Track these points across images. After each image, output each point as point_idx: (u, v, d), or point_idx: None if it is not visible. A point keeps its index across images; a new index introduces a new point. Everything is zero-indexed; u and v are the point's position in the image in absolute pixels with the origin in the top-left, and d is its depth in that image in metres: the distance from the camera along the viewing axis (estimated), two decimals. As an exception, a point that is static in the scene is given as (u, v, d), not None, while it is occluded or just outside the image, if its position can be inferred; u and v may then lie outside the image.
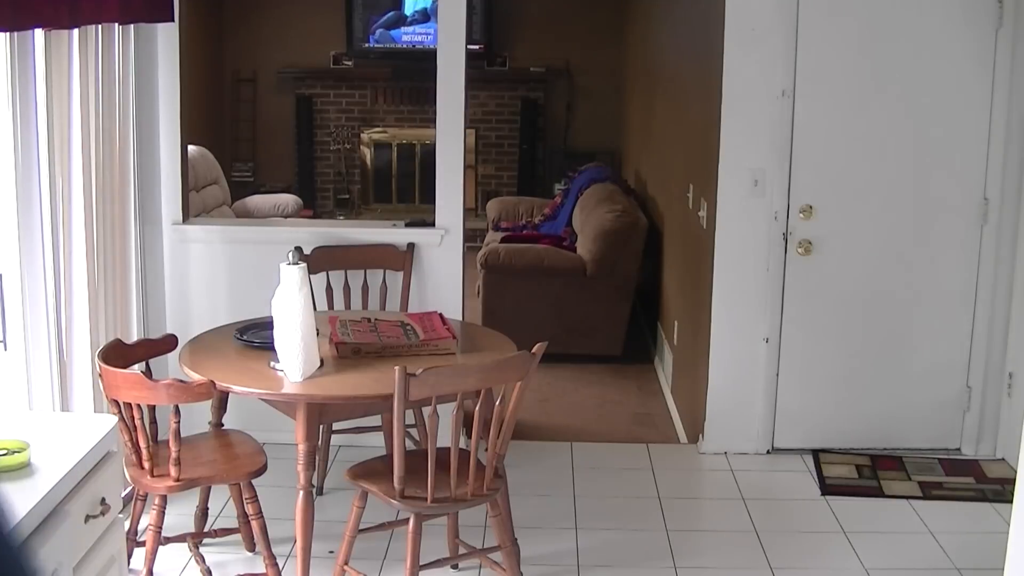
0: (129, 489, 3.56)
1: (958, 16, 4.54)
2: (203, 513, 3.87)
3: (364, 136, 9.94)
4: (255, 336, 3.67)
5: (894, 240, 4.69)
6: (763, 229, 4.66)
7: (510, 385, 3.22)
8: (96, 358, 3.35)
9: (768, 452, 4.85)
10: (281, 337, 3.31)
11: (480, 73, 9.23)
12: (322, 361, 3.43)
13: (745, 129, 4.59)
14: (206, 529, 3.86)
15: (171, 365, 3.94)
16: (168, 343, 3.71)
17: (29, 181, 3.45)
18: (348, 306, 4.52)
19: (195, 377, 3.32)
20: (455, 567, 3.78)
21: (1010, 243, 4.64)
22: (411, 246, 4.63)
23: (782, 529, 4.16)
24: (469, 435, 3.33)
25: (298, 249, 3.47)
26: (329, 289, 4.51)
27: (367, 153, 10.00)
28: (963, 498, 4.40)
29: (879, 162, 4.64)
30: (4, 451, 2.30)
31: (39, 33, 3.42)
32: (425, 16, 9.43)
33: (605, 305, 6.10)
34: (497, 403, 3.26)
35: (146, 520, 3.46)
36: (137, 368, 3.46)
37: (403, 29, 9.47)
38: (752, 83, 4.57)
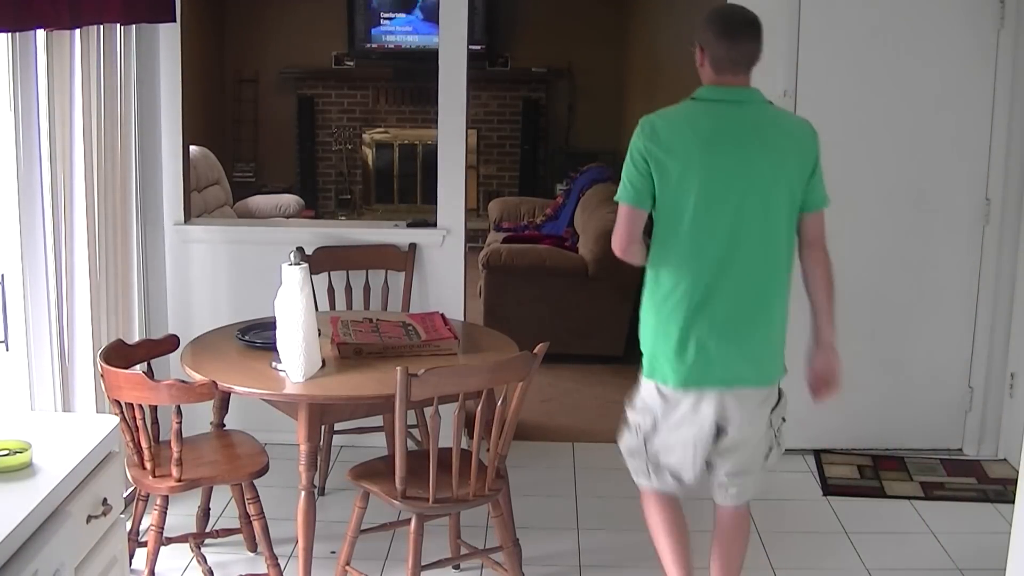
0: (131, 490, 3.56)
1: (960, 16, 4.53)
2: (205, 513, 3.87)
3: (366, 136, 9.94)
4: (257, 336, 3.67)
5: (896, 240, 4.69)
6: (765, 229, 4.66)
7: (512, 385, 3.22)
8: (98, 358, 3.35)
9: (770, 452, 4.84)
10: (283, 337, 3.31)
11: (481, 73, 9.23)
12: (324, 361, 3.43)
13: (747, 129, 4.58)
14: (208, 529, 3.86)
15: (173, 365, 3.94)
16: (170, 343, 3.71)
17: (31, 181, 3.45)
18: (350, 306, 4.52)
19: (197, 377, 3.32)
20: (457, 567, 3.78)
21: (1012, 244, 4.64)
22: (413, 246, 4.63)
23: (784, 529, 4.16)
24: (471, 435, 3.33)
25: (300, 249, 3.47)
26: (331, 289, 4.51)
27: (369, 153, 10.00)
28: (965, 498, 4.40)
29: (880, 162, 4.63)
30: (6, 451, 2.30)
31: (41, 33, 3.42)
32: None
33: (607, 305, 6.09)
34: (499, 403, 3.25)
35: (148, 520, 3.46)
36: (139, 368, 3.46)
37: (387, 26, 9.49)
38: (754, 83, 4.55)
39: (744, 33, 3.00)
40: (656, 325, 3.04)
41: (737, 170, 2.93)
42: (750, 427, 3.09)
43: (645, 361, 3.11)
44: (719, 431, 3.07)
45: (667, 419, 3.07)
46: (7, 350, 3.39)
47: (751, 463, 3.16)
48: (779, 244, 3.01)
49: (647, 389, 3.11)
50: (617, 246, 3.01)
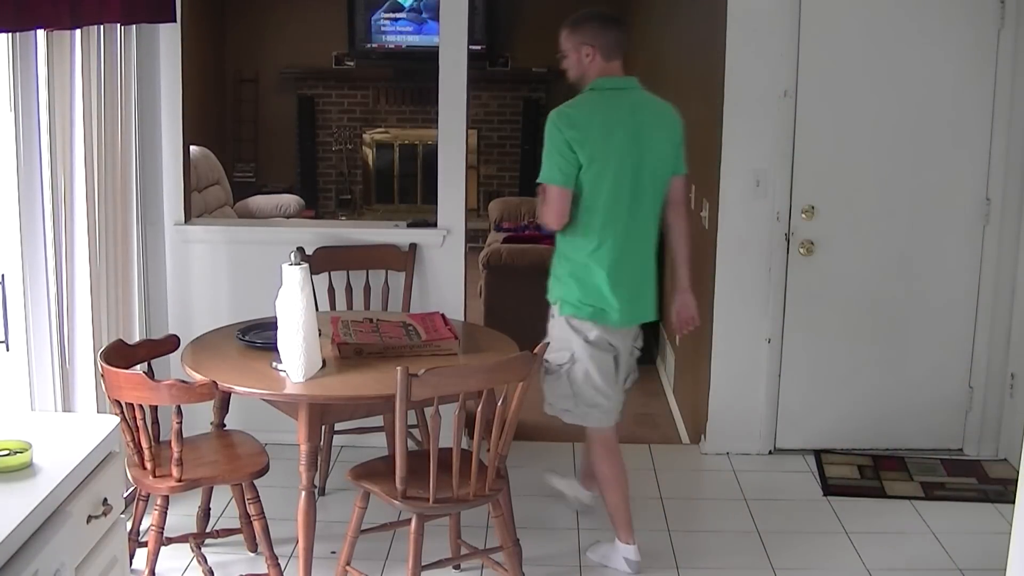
0: (131, 490, 3.56)
1: (960, 16, 4.53)
2: (205, 513, 3.87)
3: (366, 136, 9.94)
4: (257, 336, 3.67)
5: (896, 240, 4.69)
6: (765, 229, 4.66)
7: (512, 385, 3.23)
8: (98, 358, 3.35)
9: (770, 452, 4.84)
10: (283, 337, 3.31)
11: (482, 73, 9.22)
12: (324, 362, 3.43)
13: (747, 129, 4.59)
14: (208, 529, 3.86)
15: (173, 365, 3.94)
16: (170, 343, 3.71)
17: (31, 182, 3.45)
18: (350, 307, 4.52)
19: (197, 377, 3.32)
20: (457, 567, 3.78)
21: (1012, 244, 4.64)
22: (413, 246, 4.63)
23: (784, 530, 4.16)
24: (471, 436, 3.33)
25: (300, 249, 3.47)
26: (331, 290, 4.51)
27: (369, 153, 10.00)
28: (965, 499, 4.40)
29: (881, 162, 4.63)
30: (6, 451, 2.30)
31: (41, 33, 3.42)
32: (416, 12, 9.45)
33: (607, 305, 6.08)
34: (499, 403, 3.26)
35: (148, 520, 3.46)
36: (139, 368, 3.46)
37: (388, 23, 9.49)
38: (754, 83, 4.57)
39: (617, 23, 3.74)
40: (584, 278, 3.64)
41: (635, 146, 3.60)
42: (630, 355, 3.83)
43: (568, 306, 3.66)
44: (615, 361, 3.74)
45: (588, 353, 3.67)
46: (7, 350, 3.38)
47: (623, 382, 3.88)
48: (659, 205, 3.71)
49: (566, 328, 3.67)
50: (554, 222, 3.61)
